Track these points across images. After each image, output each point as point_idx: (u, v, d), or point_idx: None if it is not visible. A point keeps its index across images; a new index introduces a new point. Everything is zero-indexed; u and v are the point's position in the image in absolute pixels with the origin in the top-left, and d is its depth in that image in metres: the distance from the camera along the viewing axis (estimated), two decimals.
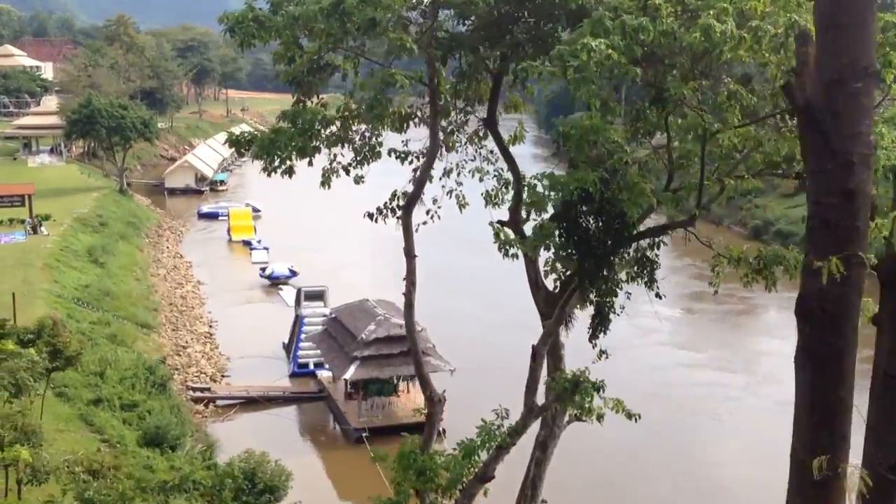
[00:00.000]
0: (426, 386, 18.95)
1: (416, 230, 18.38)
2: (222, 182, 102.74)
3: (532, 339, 53.16)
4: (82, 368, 31.98)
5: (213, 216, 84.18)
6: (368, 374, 36.32)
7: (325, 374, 42.46)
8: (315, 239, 77.86)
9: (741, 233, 76.96)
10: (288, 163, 15.66)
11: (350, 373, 36.03)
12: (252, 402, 40.42)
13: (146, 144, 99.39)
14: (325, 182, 17.43)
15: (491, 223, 18.07)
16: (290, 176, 15.58)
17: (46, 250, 52.18)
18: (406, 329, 19.00)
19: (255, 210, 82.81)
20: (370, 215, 18.23)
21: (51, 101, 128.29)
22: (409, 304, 18.16)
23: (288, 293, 57.92)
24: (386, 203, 18.16)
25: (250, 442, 36.06)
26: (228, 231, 75.44)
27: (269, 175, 15.67)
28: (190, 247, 72.35)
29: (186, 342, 46.70)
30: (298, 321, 44.80)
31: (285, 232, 77.47)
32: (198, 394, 40.09)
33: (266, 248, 70.16)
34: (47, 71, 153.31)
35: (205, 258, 68.64)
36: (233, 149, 15.45)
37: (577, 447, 39.20)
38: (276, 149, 14.79)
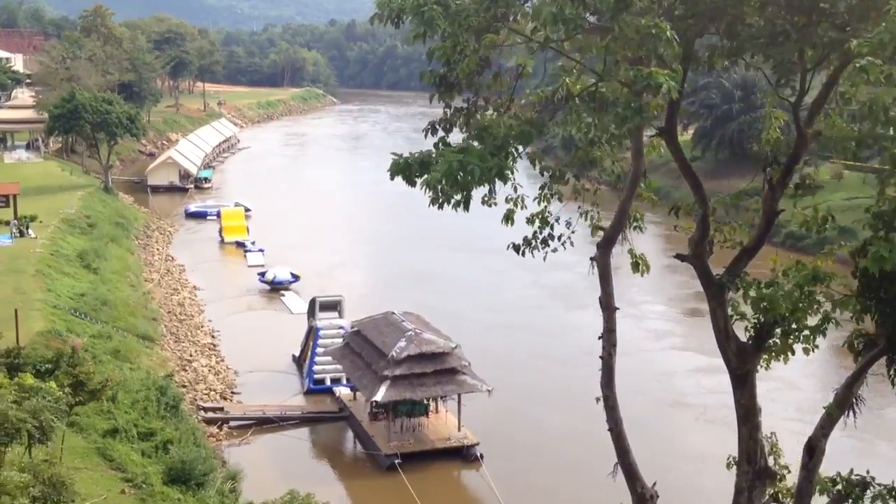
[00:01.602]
0: (634, 479, 15.58)
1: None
2: (207, 179, 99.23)
3: (526, 342, 49.99)
4: None
5: (201, 215, 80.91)
6: (401, 396, 33.62)
7: (344, 392, 39.76)
8: (306, 237, 75.37)
9: (749, 234, 74.96)
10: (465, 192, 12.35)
11: (380, 394, 33.31)
12: (266, 422, 37.59)
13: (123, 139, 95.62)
14: (509, 217, 14.28)
15: (631, 250, 15.71)
16: (466, 208, 12.45)
17: (36, 255, 48.86)
18: (605, 403, 15.32)
19: (246, 209, 79.62)
20: (516, 248, 15.32)
21: (23, 94, 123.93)
22: (609, 370, 15.08)
23: (291, 299, 55.17)
24: (535, 233, 15.19)
25: (273, 470, 33.42)
26: (220, 232, 72.21)
27: (440, 207, 12.40)
28: (180, 249, 69.08)
29: (191, 355, 43.70)
30: (313, 333, 42.00)
31: (275, 231, 74.87)
32: (210, 414, 37.11)
33: (261, 250, 67.21)
34: (17, 63, 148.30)
35: (197, 261, 65.47)
36: (398, 177, 11.83)
37: (599, 464, 37.17)
38: (468, 174, 11.62)
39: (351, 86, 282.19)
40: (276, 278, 56.82)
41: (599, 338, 15.71)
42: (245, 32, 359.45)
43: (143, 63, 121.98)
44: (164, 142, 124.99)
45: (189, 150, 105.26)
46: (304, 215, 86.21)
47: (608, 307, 15.43)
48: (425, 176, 11.70)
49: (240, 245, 69.49)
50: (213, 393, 39.52)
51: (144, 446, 28.29)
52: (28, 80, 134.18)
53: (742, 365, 13.09)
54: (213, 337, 47.88)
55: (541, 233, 15.08)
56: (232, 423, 37.22)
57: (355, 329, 38.35)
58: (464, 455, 34.50)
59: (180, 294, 54.76)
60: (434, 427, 35.63)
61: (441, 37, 12.19)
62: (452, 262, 69.33)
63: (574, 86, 12.90)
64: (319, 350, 41.06)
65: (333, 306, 43.17)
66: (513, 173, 12.16)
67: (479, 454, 34.22)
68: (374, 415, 36.25)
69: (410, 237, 77.05)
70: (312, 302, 43.27)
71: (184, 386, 38.98)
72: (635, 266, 14.79)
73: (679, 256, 14.64)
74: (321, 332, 41.73)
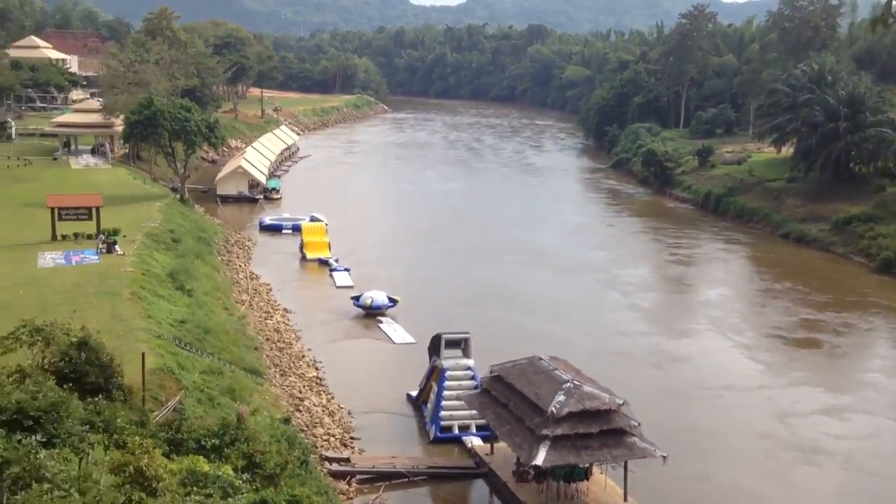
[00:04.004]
0: None
1: None
2: (276, 190, 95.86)
3: (635, 373, 45.07)
4: None
5: (275, 229, 77.56)
6: (564, 460, 29.34)
7: (477, 443, 35.67)
8: (383, 252, 72.06)
9: (864, 264, 70.20)
10: None
11: (541, 457, 29.04)
12: (395, 477, 33.47)
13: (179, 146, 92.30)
14: None
15: None
16: None
17: (128, 275, 45.32)
18: None
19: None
20: None
21: (78, 96, 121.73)
22: None
23: (390, 327, 51.37)
24: None
25: None
26: (301, 248, 68.59)
27: None
28: (261, 265, 65.49)
29: (301, 392, 39.80)
30: (438, 374, 37.93)
31: (351, 244, 71.63)
32: (336, 466, 33.09)
33: (347, 270, 63.46)
34: (73, 64, 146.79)
35: (281, 279, 61.92)
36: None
37: None
38: None
39: (399, 93, 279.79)
40: (374, 302, 52.91)
41: None
42: (292, 38, 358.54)
43: (207, 68, 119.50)
44: (225, 149, 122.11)
45: (255, 159, 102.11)
46: (377, 227, 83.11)
47: None
48: None
49: (323, 263, 65.87)
50: (332, 439, 35.55)
51: None
52: (84, 83, 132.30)
53: None
54: (316, 369, 44.06)
55: None
56: (358, 477, 33.20)
57: (495, 374, 34.16)
58: None
59: (273, 318, 51.05)
60: (595, 495, 31.29)
61: None
62: (537, 280, 65.92)
63: None
64: (447, 394, 37.00)
65: (458, 343, 39.03)
66: None
67: None
68: (521, 475, 32.05)
69: (486, 251, 73.88)
70: (437, 338, 39.13)
71: (301, 430, 35.04)
72: None
73: None
74: (448, 374, 37.65)
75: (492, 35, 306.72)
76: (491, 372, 34.66)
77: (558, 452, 29.27)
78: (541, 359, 33.57)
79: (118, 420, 17.69)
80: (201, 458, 17.52)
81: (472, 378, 37.88)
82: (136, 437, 16.39)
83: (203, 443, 19.42)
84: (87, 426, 16.91)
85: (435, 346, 39.12)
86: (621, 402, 30.54)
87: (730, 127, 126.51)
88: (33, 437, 14.90)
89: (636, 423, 30.51)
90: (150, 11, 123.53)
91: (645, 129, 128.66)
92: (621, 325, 55.74)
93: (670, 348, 52.08)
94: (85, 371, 22.10)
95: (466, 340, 39.01)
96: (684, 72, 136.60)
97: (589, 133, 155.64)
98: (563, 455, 29.32)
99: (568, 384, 30.72)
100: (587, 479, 31.36)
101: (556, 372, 32.00)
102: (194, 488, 15.83)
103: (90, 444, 16.64)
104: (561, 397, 30.11)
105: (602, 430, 29.76)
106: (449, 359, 38.24)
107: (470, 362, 38.38)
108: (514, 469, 32.41)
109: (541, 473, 30.69)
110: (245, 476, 17.45)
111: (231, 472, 17.16)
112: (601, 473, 32.42)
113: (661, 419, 40.66)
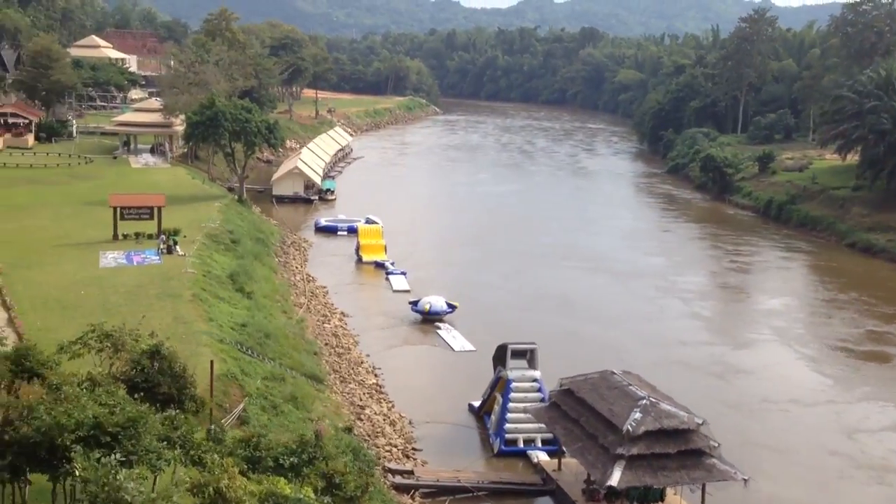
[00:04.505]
0: None
1: None
2: (331, 191, 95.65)
3: (697, 385, 42.97)
4: None
5: (331, 230, 77.22)
6: (640, 481, 28.15)
7: (543, 458, 34.59)
8: (437, 255, 71.34)
9: None
10: None
11: (615, 478, 27.89)
12: (459, 492, 32.52)
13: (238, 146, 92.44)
14: None
15: None
16: None
17: (189, 276, 45.06)
18: None
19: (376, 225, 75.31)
20: None
21: (137, 95, 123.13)
22: None
23: (448, 334, 50.54)
24: None
25: None
26: (357, 250, 68.02)
27: None
28: (317, 267, 65.05)
29: (361, 400, 39.07)
30: (504, 385, 36.93)
31: (405, 246, 70.99)
32: (399, 479, 32.25)
33: (403, 273, 62.76)
34: (132, 64, 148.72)
35: (337, 282, 61.34)
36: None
37: None
38: None
39: (449, 95, 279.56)
40: (433, 308, 52.06)
41: None
42: (345, 40, 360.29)
43: (264, 69, 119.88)
44: (281, 149, 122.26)
45: (311, 160, 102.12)
46: (431, 229, 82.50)
47: None
48: None
49: (379, 266, 65.25)
50: (394, 450, 34.73)
51: None
52: (143, 82, 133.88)
53: None
54: (376, 376, 43.33)
55: None
56: (422, 491, 32.32)
57: (565, 388, 33.06)
58: None
59: (331, 322, 50.46)
60: None
61: None
62: (593, 285, 64.87)
63: None
64: (513, 406, 35.99)
65: (524, 354, 37.97)
66: None
67: None
68: (591, 493, 30.88)
69: (541, 255, 72.93)
70: (502, 348, 38.12)
71: (364, 440, 34.28)
72: None
73: None
74: (513, 385, 36.63)
75: (543, 38, 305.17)
76: (560, 385, 33.56)
77: (634, 473, 28.10)
78: (613, 373, 32.40)
79: (195, 436, 17.03)
80: (282, 479, 16.71)
81: (539, 390, 36.86)
82: (215, 456, 15.71)
83: (281, 461, 18.59)
84: (164, 442, 16.31)
85: (500, 356, 38.16)
86: (700, 421, 29.26)
87: (789, 133, 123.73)
88: (112, 457, 14.33)
89: (716, 444, 29.20)
90: (210, 12, 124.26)
91: (702, 133, 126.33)
92: (681, 334, 54.39)
93: (733, 359, 50.61)
94: (157, 381, 21.61)
95: (533, 351, 37.94)
96: (743, 76, 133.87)
97: (643, 137, 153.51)
98: (640, 476, 28.14)
99: (644, 401, 29.54)
100: (661, 501, 30.11)
101: (631, 388, 30.81)
102: None
103: (166, 460, 16.01)
104: (637, 415, 28.93)
105: (680, 451, 28.53)
106: (515, 369, 37.22)
107: (536, 374, 37.33)
108: (584, 487, 31.28)
109: (613, 493, 29.50)
110: (325, 499, 16.66)
111: (312, 495, 16.37)
112: (675, 494, 31.13)
113: (726, 434, 38.99)
